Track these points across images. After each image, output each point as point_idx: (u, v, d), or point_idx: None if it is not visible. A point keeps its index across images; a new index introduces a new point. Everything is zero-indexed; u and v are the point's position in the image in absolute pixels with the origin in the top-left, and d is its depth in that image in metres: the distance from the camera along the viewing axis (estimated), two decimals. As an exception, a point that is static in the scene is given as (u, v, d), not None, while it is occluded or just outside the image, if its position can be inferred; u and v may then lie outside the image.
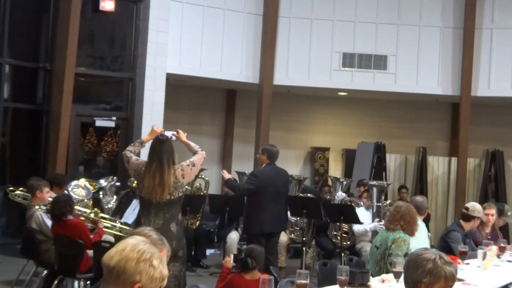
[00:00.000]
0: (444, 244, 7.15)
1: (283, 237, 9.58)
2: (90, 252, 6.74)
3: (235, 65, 12.60)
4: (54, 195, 7.49)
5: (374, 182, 9.78)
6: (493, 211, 7.70)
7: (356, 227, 9.21)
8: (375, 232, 8.78)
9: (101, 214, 8.08)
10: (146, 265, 2.49)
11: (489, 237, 7.61)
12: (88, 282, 6.76)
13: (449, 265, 3.20)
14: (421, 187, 13.42)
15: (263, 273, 5.12)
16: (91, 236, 6.98)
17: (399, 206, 6.05)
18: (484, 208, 7.56)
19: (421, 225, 6.60)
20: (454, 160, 13.49)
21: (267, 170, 8.28)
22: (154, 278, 2.50)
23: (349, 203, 9.61)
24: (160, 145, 5.97)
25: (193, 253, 9.90)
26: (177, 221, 5.96)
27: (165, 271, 2.56)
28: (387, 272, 5.51)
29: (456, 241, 6.99)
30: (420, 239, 6.38)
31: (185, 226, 9.61)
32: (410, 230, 5.93)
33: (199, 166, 6.10)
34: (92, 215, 7.79)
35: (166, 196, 5.86)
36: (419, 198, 7.13)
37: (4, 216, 10.98)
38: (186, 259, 6.16)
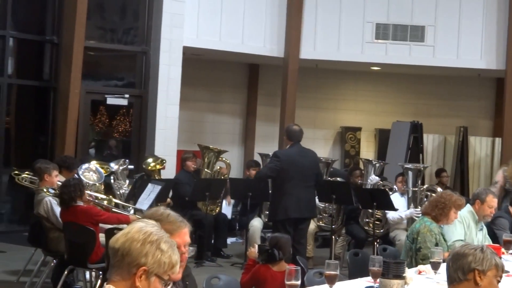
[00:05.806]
0: (490, 232, 7.11)
1: (311, 225, 9.60)
2: (102, 240, 6.82)
3: (258, 37, 12.57)
4: (63, 179, 7.57)
5: (409, 165, 9.75)
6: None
7: (391, 214, 9.19)
8: (411, 220, 8.77)
9: (115, 201, 8.13)
10: (153, 247, 2.52)
11: None
12: (101, 272, 6.83)
13: (496, 256, 3.40)
14: (462, 170, 13.35)
15: (289, 264, 5.15)
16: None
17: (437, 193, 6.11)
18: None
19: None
20: (498, 140, 13.38)
21: (290, 151, 8.38)
22: (162, 262, 2.53)
23: (382, 188, 9.60)
24: None
25: (212, 241, 9.96)
26: None
27: (176, 257, 2.57)
28: (416, 265, 5.52)
29: (502, 228, 6.97)
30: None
31: (204, 213, 9.71)
32: (443, 219, 5.91)
33: None
34: (105, 203, 7.84)
35: None
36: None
37: (10, 201, 11.12)
38: None
